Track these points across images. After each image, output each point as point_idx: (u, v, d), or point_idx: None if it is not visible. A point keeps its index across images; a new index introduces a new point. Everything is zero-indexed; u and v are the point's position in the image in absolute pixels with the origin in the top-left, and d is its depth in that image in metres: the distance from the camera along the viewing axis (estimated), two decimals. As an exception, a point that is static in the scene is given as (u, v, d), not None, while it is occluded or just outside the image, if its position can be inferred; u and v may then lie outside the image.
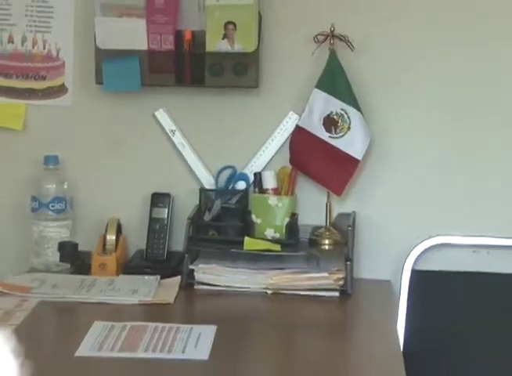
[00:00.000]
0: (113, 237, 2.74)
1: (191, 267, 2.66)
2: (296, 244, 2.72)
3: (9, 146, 2.93)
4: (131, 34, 2.77)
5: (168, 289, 2.61)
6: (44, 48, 2.88)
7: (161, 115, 2.87)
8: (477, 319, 2.79)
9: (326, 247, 2.70)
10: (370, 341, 2.41)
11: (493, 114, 2.82)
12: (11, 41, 2.88)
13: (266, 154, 2.87)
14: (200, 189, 2.83)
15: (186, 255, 2.68)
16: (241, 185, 2.82)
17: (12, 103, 2.90)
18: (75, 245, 2.76)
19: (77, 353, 2.12)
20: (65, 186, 2.83)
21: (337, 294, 2.61)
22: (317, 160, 2.79)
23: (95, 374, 2.08)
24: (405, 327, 2.76)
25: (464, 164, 2.85)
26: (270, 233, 2.71)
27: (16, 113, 2.90)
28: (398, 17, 2.82)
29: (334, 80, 2.77)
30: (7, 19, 2.88)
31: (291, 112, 2.84)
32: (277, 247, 2.67)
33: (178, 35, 2.78)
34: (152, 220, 2.81)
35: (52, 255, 2.76)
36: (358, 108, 2.76)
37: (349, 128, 2.75)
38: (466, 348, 2.79)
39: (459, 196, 2.85)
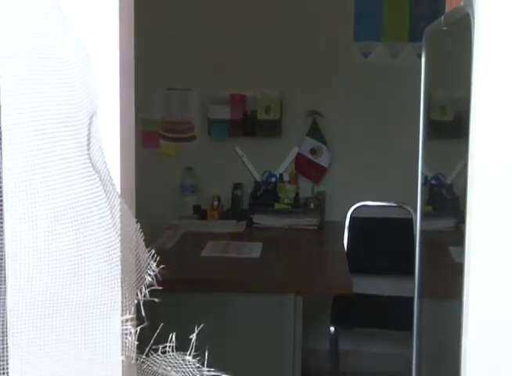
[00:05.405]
0: (217, 203, 2.71)
1: (251, 216, 2.64)
2: (298, 206, 2.67)
3: (170, 163, 2.84)
4: (223, 112, 2.75)
5: (241, 226, 2.61)
6: (184, 119, 2.85)
7: (238, 149, 2.81)
8: (383, 237, 2.72)
9: (312, 207, 2.65)
10: (331, 248, 2.46)
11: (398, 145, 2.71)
12: (184, 109, 2.82)
13: (284, 165, 2.82)
14: (254, 181, 2.79)
15: (249, 211, 2.67)
16: (273, 179, 2.75)
17: (172, 144, 2.85)
18: (199, 206, 2.74)
19: (202, 254, 2.17)
20: (195, 180, 2.80)
21: (316, 228, 2.60)
22: (307, 168, 2.77)
23: (209, 264, 2.11)
24: (347, 242, 2.70)
25: (378, 170, 2.77)
26: (287, 201, 2.66)
27: (173, 148, 2.85)
28: (349, 107, 2.79)
29: (315, 132, 2.75)
30: (169, 109, 2.82)
31: (295, 146, 2.80)
32: (290, 207, 2.66)
33: (245, 112, 2.76)
34: (233, 196, 2.77)
35: (190, 211, 2.74)
36: (326, 145, 2.75)
37: (322, 153, 2.74)
38: (377, 250, 2.70)
39: (373, 182, 2.76)
